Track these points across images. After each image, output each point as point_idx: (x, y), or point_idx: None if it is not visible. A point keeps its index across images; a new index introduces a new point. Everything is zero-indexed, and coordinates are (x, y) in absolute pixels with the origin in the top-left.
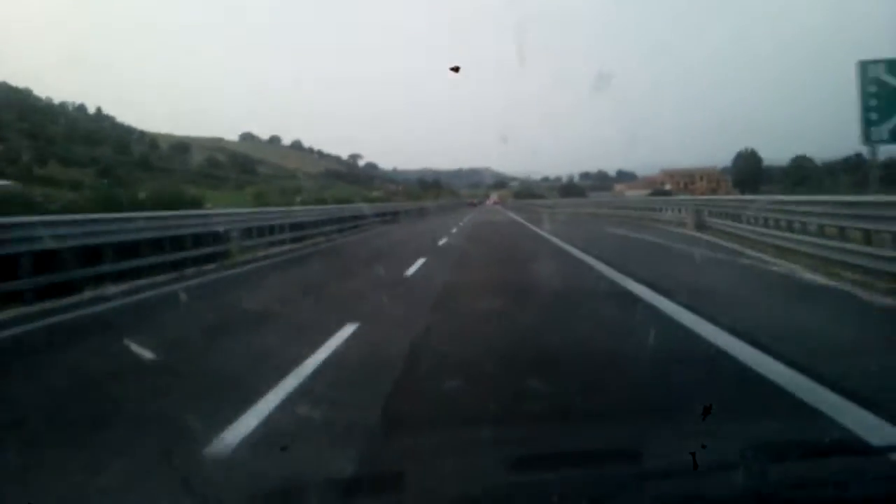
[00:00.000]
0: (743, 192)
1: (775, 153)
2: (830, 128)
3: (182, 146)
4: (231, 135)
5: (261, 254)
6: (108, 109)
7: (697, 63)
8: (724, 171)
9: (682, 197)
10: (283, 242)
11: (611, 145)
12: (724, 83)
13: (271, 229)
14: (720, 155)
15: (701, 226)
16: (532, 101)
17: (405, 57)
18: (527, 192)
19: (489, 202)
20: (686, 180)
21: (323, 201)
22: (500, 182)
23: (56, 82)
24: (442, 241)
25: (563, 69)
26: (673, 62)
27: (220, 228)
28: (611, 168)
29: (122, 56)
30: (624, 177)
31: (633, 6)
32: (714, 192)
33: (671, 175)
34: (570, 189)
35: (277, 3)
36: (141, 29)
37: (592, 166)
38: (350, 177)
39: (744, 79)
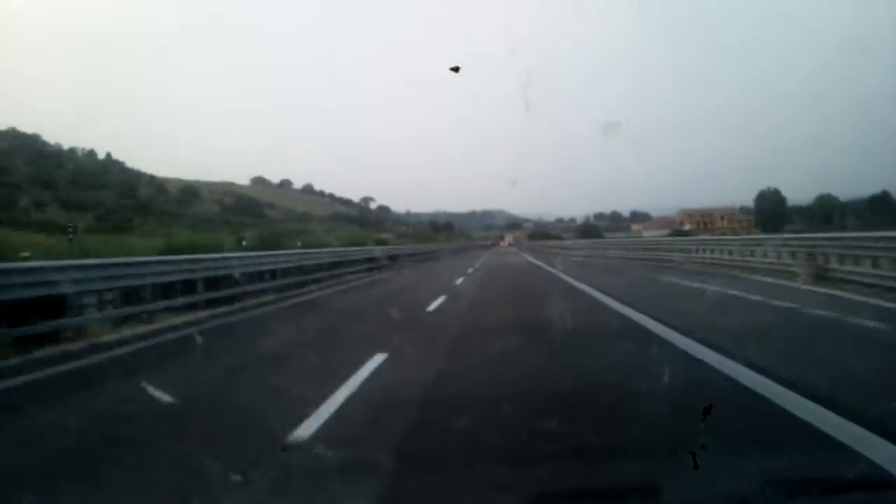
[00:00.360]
0: (766, 232)
1: (794, 193)
2: (852, 168)
3: (191, 190)
4: (242, 179)
5: (140, 331)
6: (118, 156)
7: (713, 104)
8: (743, 210)
9: (781, 236)
10: (191, 308)
11: (624, 186)
12: (740, 125)
13: (167, 288)
14: (739, 195)
15: (821, 276)
16: (544, 144)
17: (417, 103)
18: (541, 232)
19: (503, 243)
20: (705, 219)
21: (276, 245)
22: (514, 223)
23: (66, 129)
24: (433, 306)
25: (574, 112)
26: (687, 105)
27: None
28: (624, 208)
29: (132, 102)
30: (638, 217)
31: (644, 53)
32: (734, 231)
33: (689, 214)
34: (587, 230)
35: (287, 50)
36: (151, 74)
37: (606, 207)
38: (361, 220)
39: (762, 120)
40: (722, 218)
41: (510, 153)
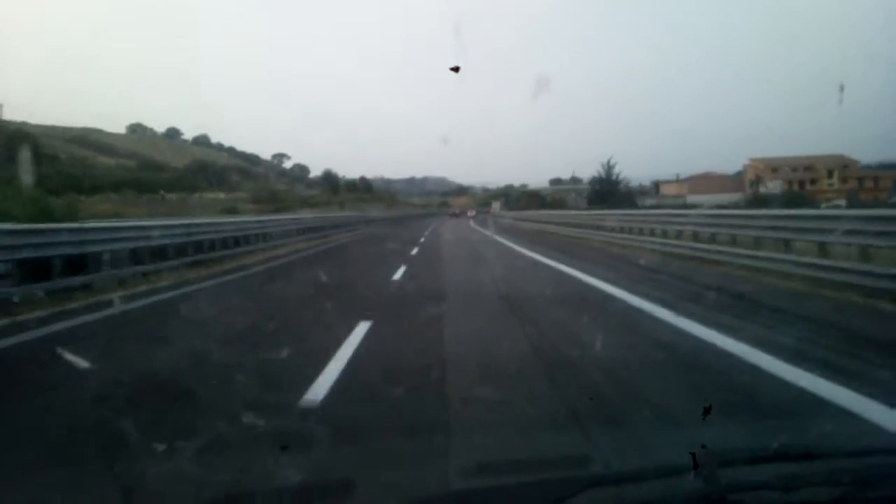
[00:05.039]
0: None
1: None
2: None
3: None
4: (117, 127)
5: None
6: None
7: (657, 66)
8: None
9: None
10: None
11: (575, 153)
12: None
13: None
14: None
15: None
16: (484, 111)
17: (363, 68)
18: (528, 198)
19: (470, 213)
20: (800, 176)
21: None
22: (459, 190)
23: None
24: None
25: (516, 78)
26: (634, 66)
27: None
28: (583, 174)
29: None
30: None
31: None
32: (856, 195)
33: (772, 168)
34: (604, 194)
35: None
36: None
37: (563, 173)
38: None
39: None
40: (830, 174)
41: (450, 120)
